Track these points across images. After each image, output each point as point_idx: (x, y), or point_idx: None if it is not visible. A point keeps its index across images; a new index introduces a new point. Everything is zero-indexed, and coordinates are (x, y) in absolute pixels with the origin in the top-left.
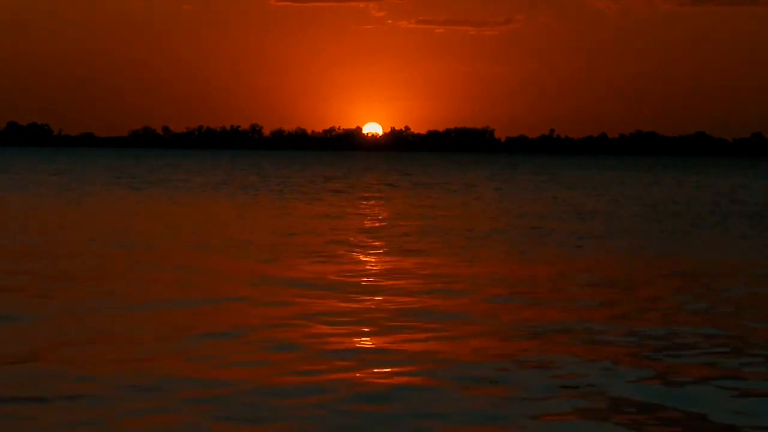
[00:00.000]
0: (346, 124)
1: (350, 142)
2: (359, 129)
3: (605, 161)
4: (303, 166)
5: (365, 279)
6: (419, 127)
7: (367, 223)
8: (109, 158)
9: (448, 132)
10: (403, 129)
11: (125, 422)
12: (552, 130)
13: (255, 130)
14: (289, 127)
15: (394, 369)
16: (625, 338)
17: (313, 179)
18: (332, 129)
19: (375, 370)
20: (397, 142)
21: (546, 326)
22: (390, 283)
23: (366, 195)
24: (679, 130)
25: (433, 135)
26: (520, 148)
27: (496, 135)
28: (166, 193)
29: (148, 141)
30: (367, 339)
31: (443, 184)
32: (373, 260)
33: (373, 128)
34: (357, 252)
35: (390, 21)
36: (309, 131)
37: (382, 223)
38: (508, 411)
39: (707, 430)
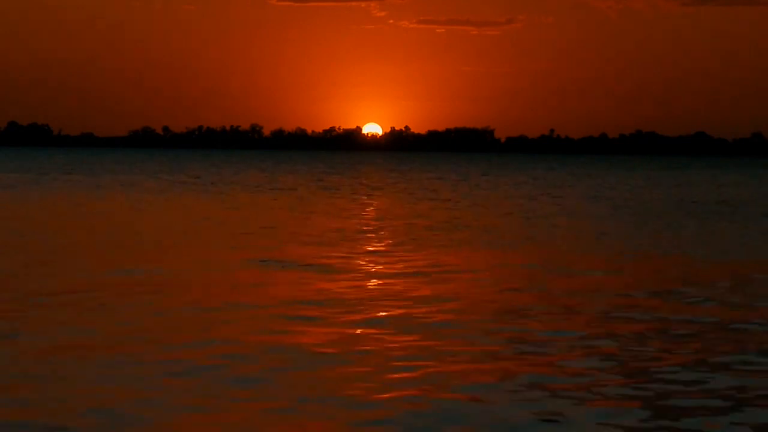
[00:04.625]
0: (346, 124)
1: (350, 142)
2: (359, 129)
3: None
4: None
5: None
6: (419, 127)
7: None
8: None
9: (448, 132)
10: (403, 129)
11: None
12: (552, 130)
13: (255, 130)
14: (289, 127)
15: None
16: None
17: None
18: (332, 129)
19: None
20: (397, 142)
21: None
22: None
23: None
24: (679, 130)
25: (433, 135)
26: (520, 148)
27: (496, 135)
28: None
29: (148, 141)
30: None
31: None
32: None
33: (373, 128)
34: None
35: (391, 21)
36: (309, 131)
37: None
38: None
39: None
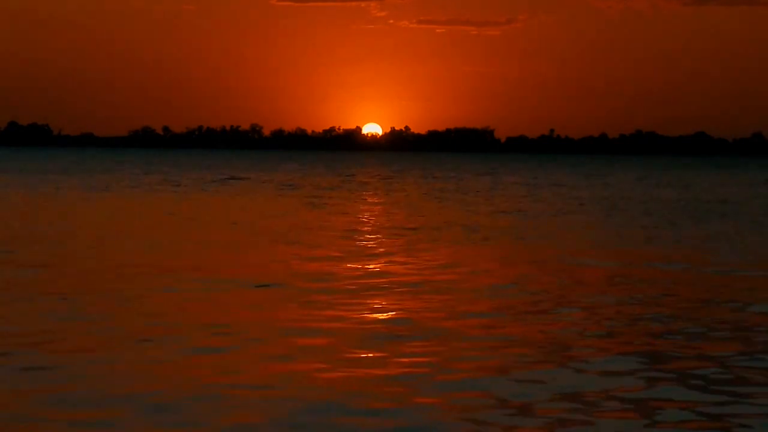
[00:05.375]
0: (346, 124)
1: (350, 142)
2: (359, 129)
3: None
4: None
5: None
6: (419, 127)
7: None
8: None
9: (448, 132)
10: (403, 129)
11: None
12: (552, 130)
13: (255, 130)
14: (289, 127)
15: None
16: None
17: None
18: (332, 129)
19: None
20: (397, 142)
21: None
22: None
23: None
24: (679, 130)
25: (433, 135)
26: (520, 148)
27: (496, 135)
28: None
29: (148, 141)
30: None
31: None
32: None
33: (372, 128)
34: None
35: (391, 21)
36: (309, 131)
37: None
38: None
39: None
